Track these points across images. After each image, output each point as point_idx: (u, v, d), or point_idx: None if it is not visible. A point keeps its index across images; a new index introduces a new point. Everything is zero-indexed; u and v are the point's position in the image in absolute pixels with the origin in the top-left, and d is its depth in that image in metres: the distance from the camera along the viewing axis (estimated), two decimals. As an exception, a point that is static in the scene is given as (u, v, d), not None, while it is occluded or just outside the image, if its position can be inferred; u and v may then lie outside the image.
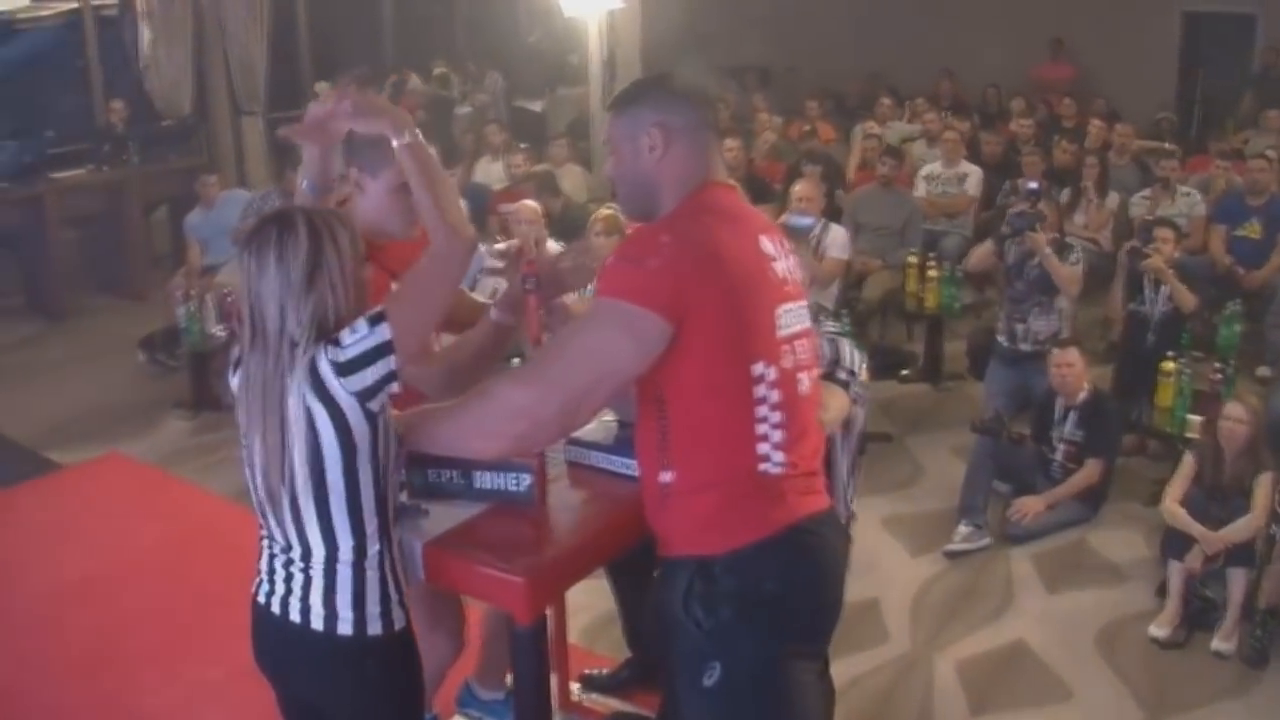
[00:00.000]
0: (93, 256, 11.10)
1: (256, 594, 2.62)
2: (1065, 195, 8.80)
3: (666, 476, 2.53)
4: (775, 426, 2.51)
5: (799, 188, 7.31)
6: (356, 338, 2.39)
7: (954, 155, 9.35)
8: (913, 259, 7.69)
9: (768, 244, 2.58)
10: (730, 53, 14.47)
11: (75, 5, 11.69)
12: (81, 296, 10.34)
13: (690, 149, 2.59)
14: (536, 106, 14.56)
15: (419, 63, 14.97)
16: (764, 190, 8.97)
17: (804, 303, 2.66)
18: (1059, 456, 5.89)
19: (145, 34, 11.62)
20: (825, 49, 14.08)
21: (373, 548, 2.52)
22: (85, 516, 6.01)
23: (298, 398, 2.39)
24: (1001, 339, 6.73)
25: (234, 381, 2.53)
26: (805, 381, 2.59)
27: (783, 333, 2.53)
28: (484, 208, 9.18)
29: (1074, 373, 5.78)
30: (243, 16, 12.23)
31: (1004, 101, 12.58)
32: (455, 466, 2.75)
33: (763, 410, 2.49)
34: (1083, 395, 5.82)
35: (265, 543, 2.60)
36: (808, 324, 2.65)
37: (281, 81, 13.28)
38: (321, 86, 13.33)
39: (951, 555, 5.57)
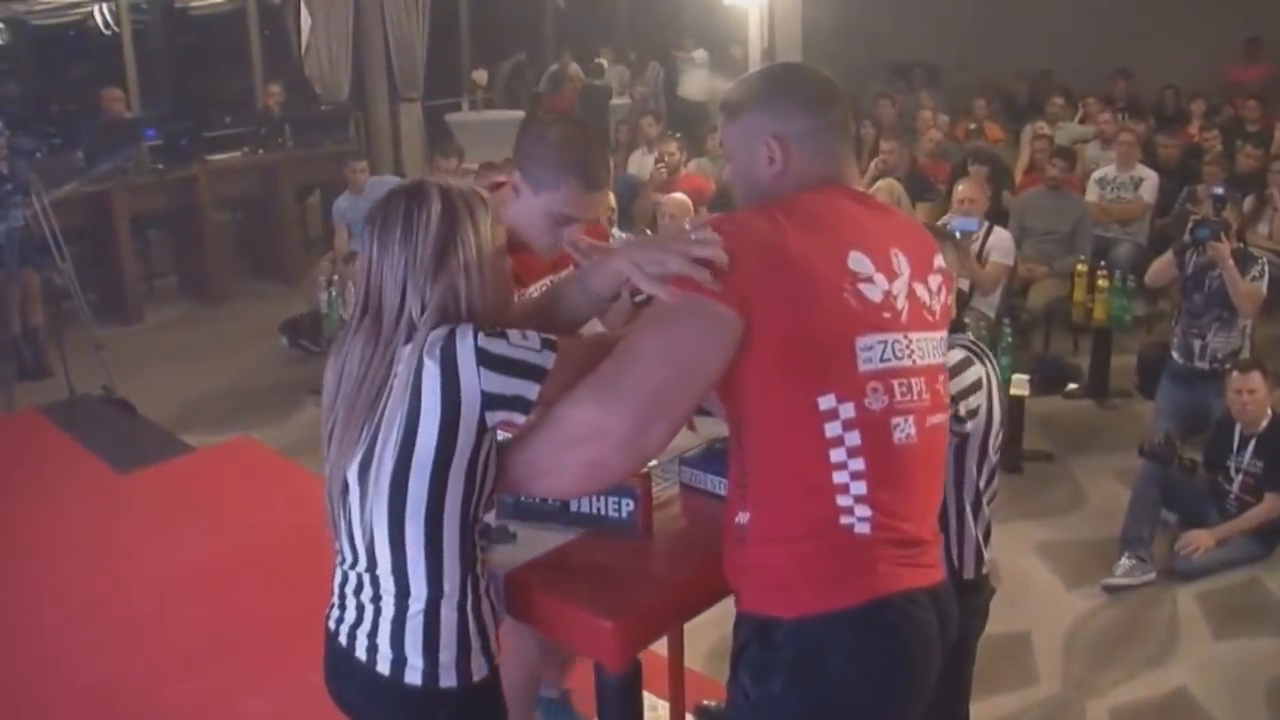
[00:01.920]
0: (245, 240, 11.32)
1: (328, 618, 2.34)
2: (1249, 203, 8.25)
3: (743, 518, 2.16)
4: (858, 476, 2.09)
5: (962, 189, 7.03)
6: (523, 343, 2.11)
7: (1129, 158, 8.85)
8: (1081, 267, 7.30)
9: (863, 260, 2.14)
10: (898, 48, 14.10)
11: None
12: (233, 279, 10.49)
13: (815, 156, 2.24)
14: (702, 97, 14.35)
15: (581, 51, 14.89)
16: (926, 189, 8.64)
17: (926, 335, 2.21)
18: (1235, 488, 5.43)
19: (306, 20, 11.74)
20: (996, 46, 13.58)
21: (450, 584, 2.19)
22: (206, 502, 5.92)
23: (407, 377, 2.09)
24: (1176, 355, 6.32)
25: (328, 371, 2.26)
26: (908, 429, 2.14)
27: (869, 367, 2.10)
28: (633, 200, 8.98)
29: (1255, 400, 5.32)
30: (403, 4, 12.29)
31: (1183, 103, 11.98)
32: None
33: (838, 453, 2.09)
34: (1264, 423, 5.35)
35: (338, 559, 2.32)
36: (930, 360, 2.21)
37: (440, 69, 13.32)
38: (480, 75, 13.36)
39: (1111, 590, 5.15)
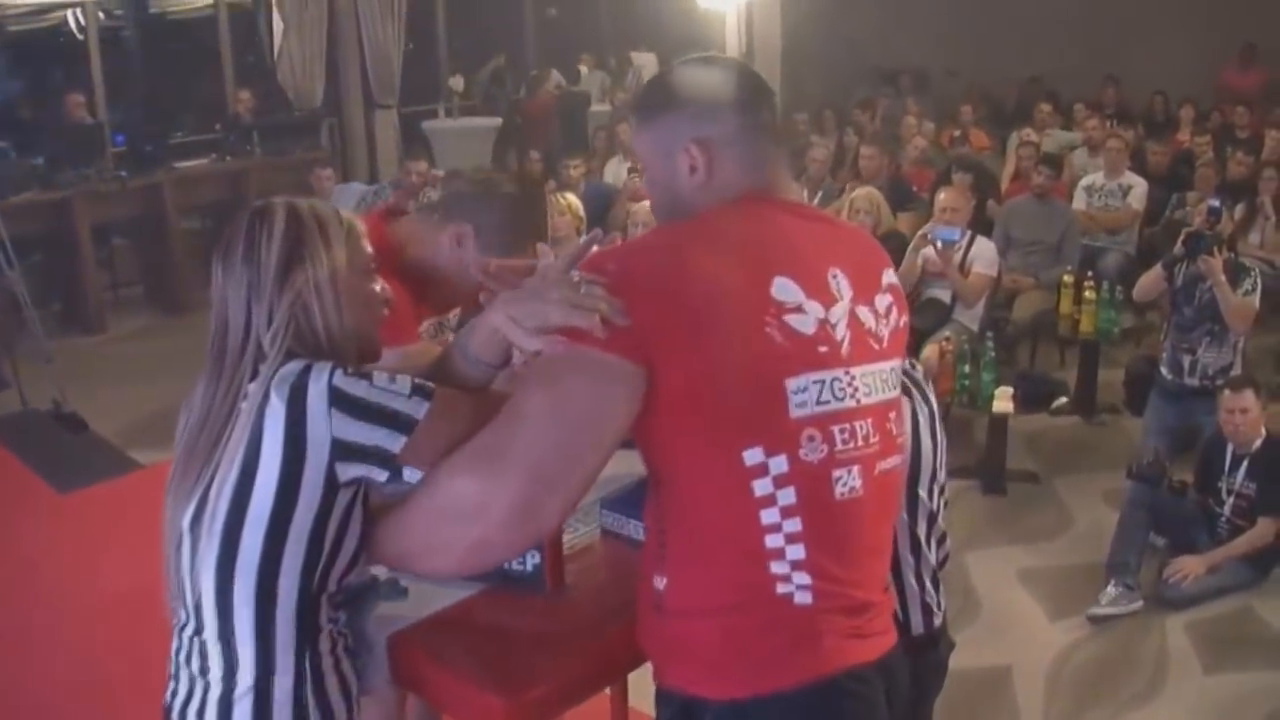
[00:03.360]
0: (212, 248, 10.99)
1: (165, 690, 2.01)
2: (1239, 211, 8.07)
3: (660, 583, 1.87)
4: (794, 539, 1.80)
5: (944, 196, 6.82)
6: (390, 386, 1.83)
7: (1117, 165, 8.62)
8: (1068, 278, 7.05)
9: (790, 287, 1.83)
10: (884, 54, 13.87)
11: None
12: (200, 289, 10.18)
13: (742, 163, 1.95)
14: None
15: (561, 56, 14.70)
16: (908, 197, 8.41)
17: (873, 367, 1.91)
18: (1226, 511, 5.17)
19: (279, 25, 11.52)
20: (984, 52, 13.36)
21: (284, 658, 1.88)
22: (148, 524, 5.64)
23: (250, 414, 1.82)
24: (1165, 371, 6.08)
25: (180, 416, 1.98)
26: (852, 482, 1.85)
27: (803, 412, 1.80)
28: (606, 208, 8.75)
29: (1248, 420, 5.07)
30: (379, 9, 12.09)
31: (1171, 110, 11.77)
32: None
33: (770, 514, 1.79)
34: (1258, 443, 5.10)
35: (174, 622, 2.00)
36: (878, 396, 1.91)
37: (418, 75, 13.14)
38: (456, 81, 13.16)
39: (1097, 619, 4.88)
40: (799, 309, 1.83)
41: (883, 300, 1.97)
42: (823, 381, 1.83)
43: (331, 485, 1.83)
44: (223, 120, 11.04)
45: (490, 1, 15.06)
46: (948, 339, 6.36)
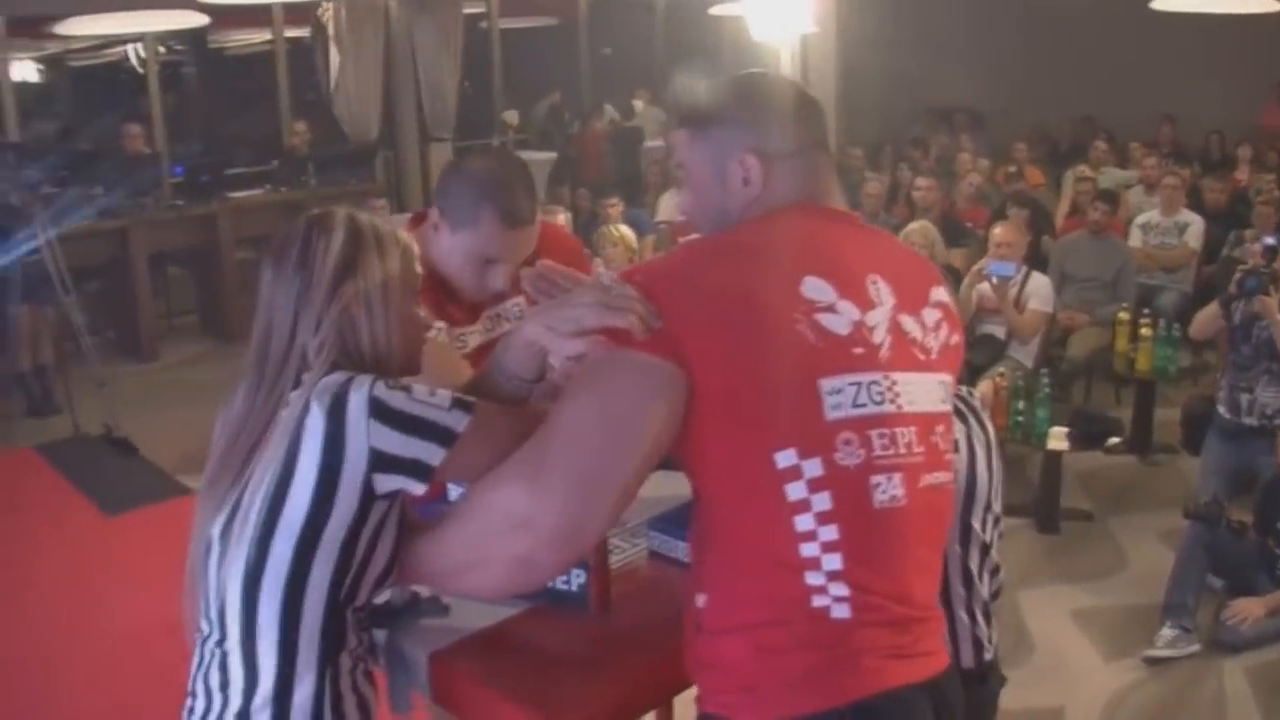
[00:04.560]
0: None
1: (182, 708, 1.97)
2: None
3: (701, 600, 1.82)
4: (831, 548, 1.73)
5: (999, 231, 6.76)
6: (430, 399, 1.82)
7: (1174, 203, 8.52)
8: (1124, 315, 6.94)
9: (822, 286, 1.79)
10: (940, 92, 13.80)
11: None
12: (253, 318, 10.25)
13: (795, 176, 1.92)
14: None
15: (615, 93, 14.75)
16: (961, 234, 8.35)
17: (918, 376, 1.86)
18: (1287, 553, 5.06)
19: (335, 59, 11.63)
20: (1040, 91, 13.27)
21: (305, 669, 1.85)
22: (182, 551, 5.68)
23: (289, 423, 1.80)
24: (1222, 410, 5.93)
25: (216, 424, 1.97)
26: (893, 489, 1.78)
27: (838, 414, 1.74)
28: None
29: (1308, 459, 4.97)
30: (435, 43, 12.17)
31: (1228, 149, 11.63)
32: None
33: (804, 521, 1.72)
34: (1319, 483, 5.00)
35: (196, 636, 1.97)
36: (924, 407, 1.85)
37: (473, 109, 13.23)
38: (511, 115, 13.23)
39: (1152, 662, 4.78)
40: (830, 308, 1.78)
41: (931, 314, 1.92)
42: (859, 384, 1.77)
43: (368, 497, 1.80)
44: (278, 152, 11.16)
45: (546, 37, 15.16)
46: (1002, 375, 6.29)
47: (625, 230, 7.03)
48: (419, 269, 2.05)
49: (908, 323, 1.86)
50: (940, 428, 1.89)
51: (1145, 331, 6.69)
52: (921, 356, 1.87)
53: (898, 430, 1.80)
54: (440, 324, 2.68)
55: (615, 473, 1.70)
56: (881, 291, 1.85)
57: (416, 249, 2.05)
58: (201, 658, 1.93)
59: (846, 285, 1.81)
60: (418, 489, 1.82)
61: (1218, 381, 6.23)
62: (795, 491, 1.72)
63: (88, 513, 6.11)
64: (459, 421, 1.81)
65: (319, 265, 1.89)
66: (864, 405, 1.77)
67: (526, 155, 12.79)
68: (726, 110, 1.96)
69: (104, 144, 10.64)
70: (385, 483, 1.80)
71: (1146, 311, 7.04)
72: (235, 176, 10.59)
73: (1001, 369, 6.45)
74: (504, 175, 2.66)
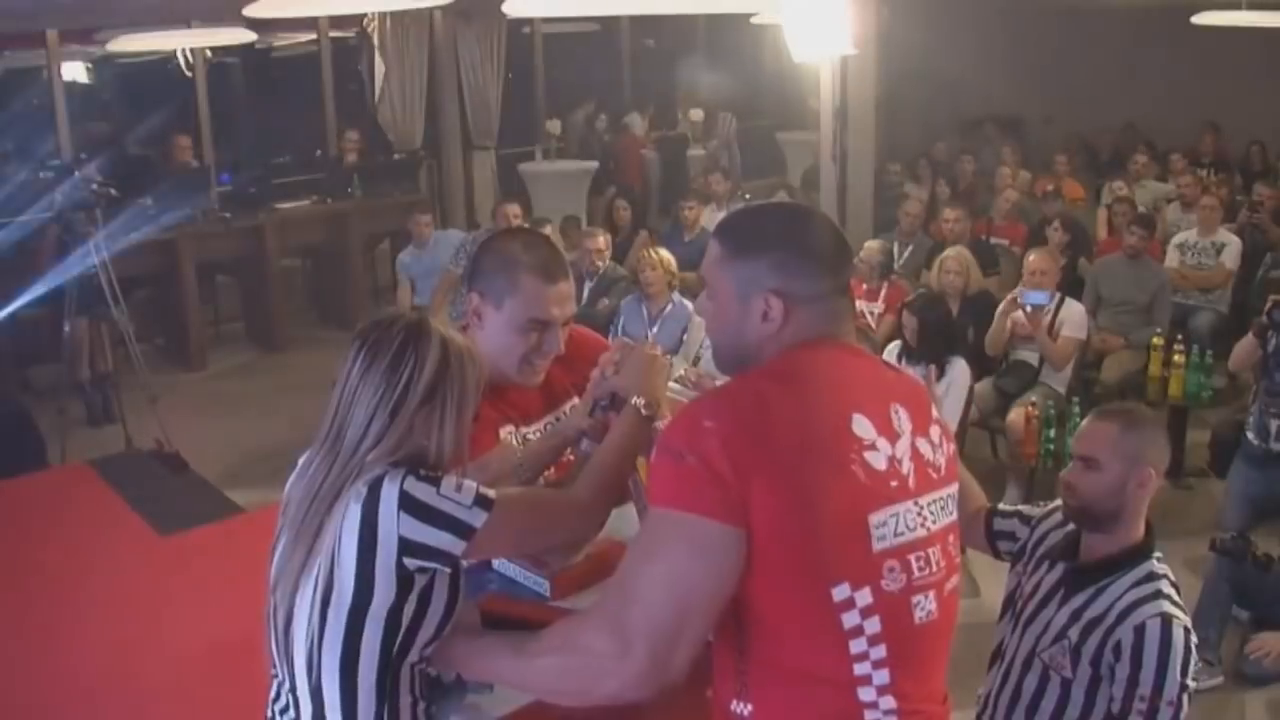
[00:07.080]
0: (313, 289, 11.30)
1: None
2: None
3: (743, 709, 1.94)
4: (880, 664, 1.89)
5: (1034, 259, 6.84)
6: (454, 494, 2.03)
7: (1211, 223, 8.56)
8: (1157, 340, 7.01)
9: (865, 424, 1.92)
10: (980, 102, 13.79)
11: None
12: (299, 328, 10.49)
13: (815, 319, 2.00)
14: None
15: (658, 101, 14.79)
16: (992, 260, 8.35)
17: (935, 495, 2.01)
18: (1312, 586, 5.12)
19: (380, 67, 11.72)
20: (1080, 98, 13.27)
21: (365, 716, 2.08)
22: (247, 569, 5.76)
23: (341, 511, 2.03)
24: (1251, 435, 5.91)
25: (293, 477, 2.19)
26: (929, 605, 1.95)
27: (884, 545, 1.89)
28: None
29: (1336, 493, 5.04)
30: (478, 51, 12.26)
31: (1270, 160, 11.61)
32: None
33: (858, 644, 1.87)
34: (1346, 517, 5.07)
35: (271, 671, 2.22)
36: (942, 522, 2.01)
37: (516, 117, 13.29)
38: (553, 125, 13.30)
39: (1176, 693, 4.86)
40: (873, 445, 1.92)
41: (935, 431, 2.06)
42: (898, 514, 1.92)
43: (404, 577, 2.02)
44: (324, 159, 11.27)
45: (589, 45, 15.21)
46: (1033, 404, 6.36)
47: (665, 254, 7.13)
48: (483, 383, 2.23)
49: (922, 445, 2.01)
50: (952, 536, 2.04)
51: (1178, 357, 6.74)
52: (935, 475, 2.02)
53: (929, 550, 1.97)
54: (509, 427, 2.75)
55: (689, 627, 1.84)
56: (902, 420, 1.99)
57: (486, 370, 2.25)
58: (278, 693, 2.19)
59: (879, 420, 1.95)
60: (445, 570, 2.06)
61: (1249, 407, 6.28)
62: (850, 619, 1.87)
63: (141, 531, 6.20)
64: (477, 518, 2.03)
65: (408, 382, 2.07)
66: (903, 534, 1.92)
67: (568, 166, 12.88)
68: (763, 244, 2.02)
69: (151, 152, 10.82)
70: (414, 564, 2.02)
71: (1180, 336, 7.09)
72: (281, 186, 10.74)
73: (1034, 397, 6.51)
74: (528, 240, 2.77)
